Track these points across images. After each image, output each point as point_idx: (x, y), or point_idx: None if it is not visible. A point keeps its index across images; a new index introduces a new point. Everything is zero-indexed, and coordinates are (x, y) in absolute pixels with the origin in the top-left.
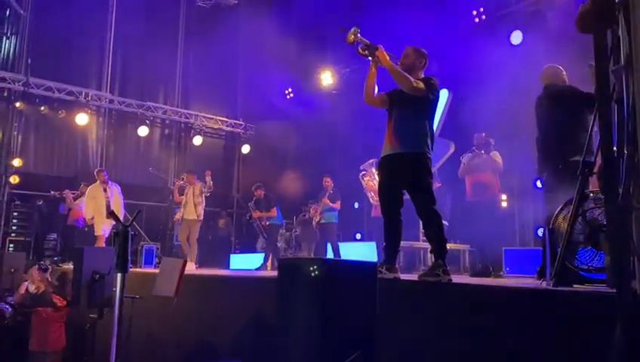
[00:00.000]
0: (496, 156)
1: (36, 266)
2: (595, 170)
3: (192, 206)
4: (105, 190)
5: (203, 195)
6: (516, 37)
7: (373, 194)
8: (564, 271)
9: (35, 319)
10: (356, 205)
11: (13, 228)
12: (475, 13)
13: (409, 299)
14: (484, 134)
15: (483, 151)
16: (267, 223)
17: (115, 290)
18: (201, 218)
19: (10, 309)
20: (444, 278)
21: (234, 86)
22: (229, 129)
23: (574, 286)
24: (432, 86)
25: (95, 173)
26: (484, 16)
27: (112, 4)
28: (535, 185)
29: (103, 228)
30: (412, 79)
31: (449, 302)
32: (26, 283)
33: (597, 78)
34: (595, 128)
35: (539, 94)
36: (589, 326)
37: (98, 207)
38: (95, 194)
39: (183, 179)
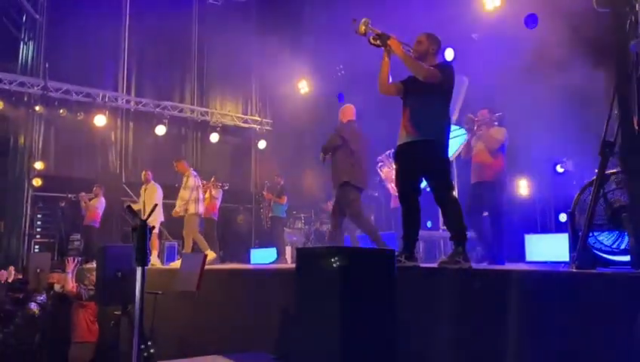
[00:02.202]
0: (495, 133)
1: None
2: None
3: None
4: (145, 190)
5: (193, 189)
6: (532, 20)
7: (393, 185)
8: (587, 253)
9: (84, 312)
10: (376, 193)
11: (38, 229)
12: None
13: (429, 286)
14: (470, 115)
15: (479, 130)
16: (270, 213)
17: (136, 284)
18: (188, 212)
19: (40, 308)
20: (465, 265)
21: (249, 81)
22: (245, 125)
23: (597, 268)
24: (447, 72)
25: None
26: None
27: (125, 5)
28: (555, 168)
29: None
30: (426, 66)
31: (470, 289)
32: (69, 276)
33: (615, 54)
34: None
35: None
36: (614, 309)
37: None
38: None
39: (204, 184)
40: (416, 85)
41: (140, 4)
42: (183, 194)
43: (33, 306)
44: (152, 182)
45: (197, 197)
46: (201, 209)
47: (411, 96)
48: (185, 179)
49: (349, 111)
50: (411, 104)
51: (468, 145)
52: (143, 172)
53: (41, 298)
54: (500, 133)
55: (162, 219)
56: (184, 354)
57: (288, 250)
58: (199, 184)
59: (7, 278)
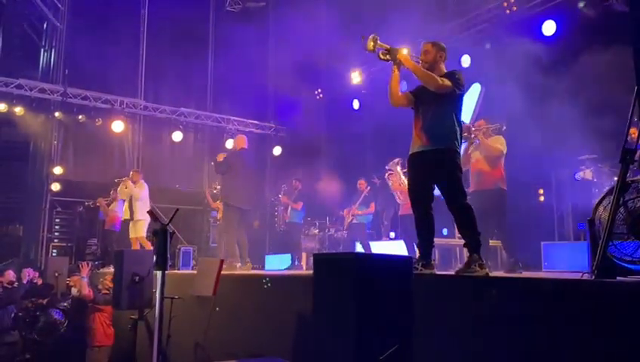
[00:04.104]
0: (494, 142)
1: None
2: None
3: None
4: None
5: None
6: (549, 28)
7: (399, 193)
8: (607, 263)
9: (100, 316)
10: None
11: (56, 233)
12: (505, 4)
13: (445, 293)
14: (468, 123)
15: (476, 139)
16: (287, 219)
17: (155, 291)
18: None
19: (62, 315)
20: (481, 272)
21: (264, 88)
22: (260, 131)
23: (617, 278)
24: (458, 80)
25: None
26: (514, 8)
27: (143, 13)
28: (574, 177)
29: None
30: (438, 78)
31: (487, 297)
32: (85, 281)
33: (635, 59)
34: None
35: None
36: (635, 319)
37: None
38: None
39: (215, 188)
40: (427, 94)
41: (158, 12)
42: None
43: (55, 313)
44: (141, 181)
45: None
46: None
47: (423, 105)
48: None
49: (241, 141)
50: (423, 113)
51: (466, 156)
52: (131, 172)
53: (64, 303)
54: (499, 142)
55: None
56: (199, 359)
57: (303, 256)
58: None
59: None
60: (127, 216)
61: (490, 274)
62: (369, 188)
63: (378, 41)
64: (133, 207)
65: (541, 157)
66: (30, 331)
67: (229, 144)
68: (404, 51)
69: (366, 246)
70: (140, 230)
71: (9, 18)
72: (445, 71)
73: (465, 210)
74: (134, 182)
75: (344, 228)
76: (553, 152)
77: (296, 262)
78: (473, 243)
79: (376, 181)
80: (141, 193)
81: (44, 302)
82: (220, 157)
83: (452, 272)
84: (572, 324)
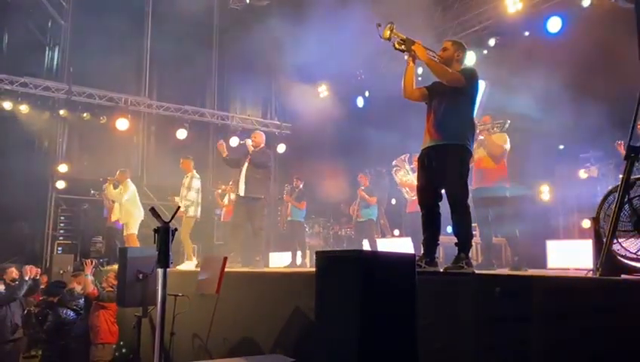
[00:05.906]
0: (497, 139)
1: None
2: None
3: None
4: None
5: (193, 189)
6: (554, 24)
7: (408, 189)
8: (611, 260)
9: (104, 313)
10: (393, 201)
11: (61, 231)
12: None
13: (449, 291)
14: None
15: (480, 136)
16: (289, 217)
17: (158, 288)
18: (187, 215)
19: (74, 315)
20: (468, 270)
21: (269, 85)
22: (264, 129)
23: (622, 276)
24: (472, 77)
25: None
26: (519, 4)
27: (147, 11)
28: (579, 174)
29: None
30: (450, 70)
31: (490, 294)
32: (89, 279)
33: None
34: None
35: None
36: (639, 316)
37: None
38: None
39: (223, 188)
40: (441, 90)
41: (162, 10)
42: (189, 195)
43: (65, 312)
44: (127, 182)
45: (199, 200)
46: (199, 213)
47: (436, 101)
48: (188, 179)
49: (264, 138)
50: (436, 109)
51: None
52: (118, 171)
53: (76, 303)
54: (502, 139)
55: (142, 218)
56: (202, 357)
57: (307, 253)
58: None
59: (31, 276)
60: (116, 218)
61: (494, 272)
62: (367, 182)
63: (394, 30)
64: (120, 209)
65: (546, 155)
66: (39, 330)
67: (234, 142)
68: (420, 43)
69: (373, 243)
70: (131, 228)
71: (14, 16)
72: (461, 68)
73: (465, 209)
74: (119, 182)
75: (352, 225)
76: (558, 149)
77: (300, 260)
78: (464, 244)
79: (368, 176)
80: (124, 196)
81: (55, 300)
82: (250, 148)
83: (440, 269)
84: (576, 322)
